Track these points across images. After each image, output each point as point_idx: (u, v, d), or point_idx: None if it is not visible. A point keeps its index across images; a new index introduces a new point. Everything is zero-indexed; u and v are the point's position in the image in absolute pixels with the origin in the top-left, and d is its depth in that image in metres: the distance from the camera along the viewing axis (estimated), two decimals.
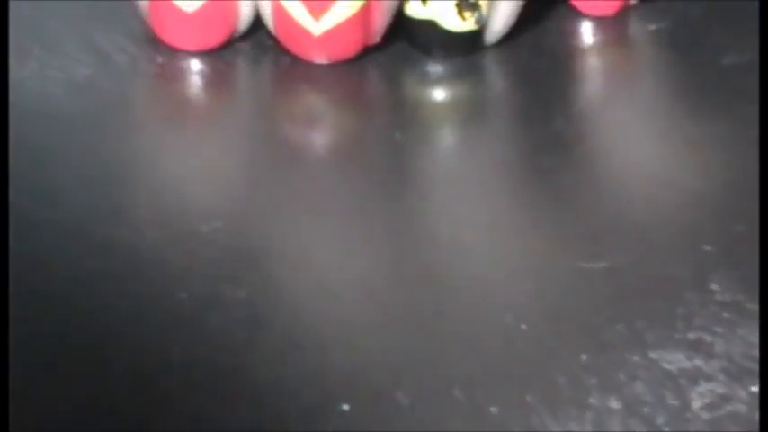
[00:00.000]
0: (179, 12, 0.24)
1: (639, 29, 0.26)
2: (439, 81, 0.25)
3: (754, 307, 0.19)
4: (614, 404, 0.17)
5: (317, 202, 0.21)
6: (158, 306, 0.19)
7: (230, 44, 0.25)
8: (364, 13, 0.23)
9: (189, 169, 0.22)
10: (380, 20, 0.24)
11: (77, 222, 0.20)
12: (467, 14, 0.24)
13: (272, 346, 0.18)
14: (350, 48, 0.24)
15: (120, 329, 0.18)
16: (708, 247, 0.20)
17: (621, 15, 0.26)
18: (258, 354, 0.18)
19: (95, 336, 0.18)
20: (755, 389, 0.17)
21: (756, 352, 0.18)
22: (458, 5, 0.24)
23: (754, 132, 0.23)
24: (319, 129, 0.24)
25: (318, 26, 0.23)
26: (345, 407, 0.17)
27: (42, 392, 0.17)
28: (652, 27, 0.26)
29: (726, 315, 0.18)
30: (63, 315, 0.18)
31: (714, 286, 0.19)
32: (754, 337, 0.18)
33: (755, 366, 0.18)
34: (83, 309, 0.19)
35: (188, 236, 0.20)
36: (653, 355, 0.18)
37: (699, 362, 0.18)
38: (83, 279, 0.19)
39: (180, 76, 0.25)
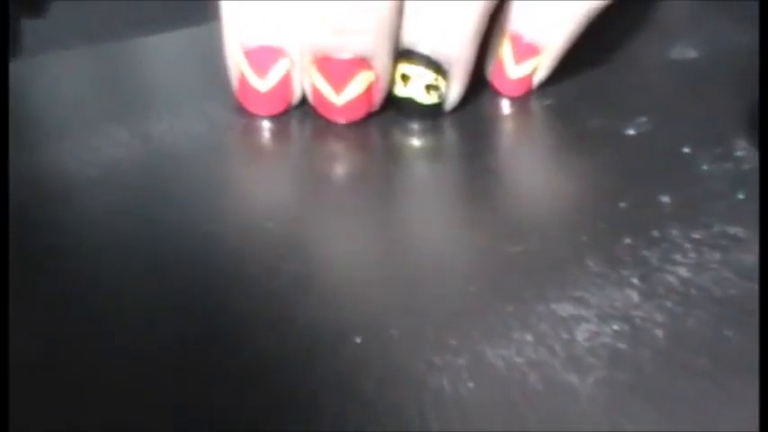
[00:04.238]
0: (256, 91, 0.23)
1: (537, 104, 0.24)
2: (415, 134, 0.23)
3: (615, 275, 0.17)
4: (528, 338, 0.16)
5: (339, 209, 0.20)
6: (238, 276, 0.17)
7: (287, 111, 0.23)
8: (368, 92, 0.22)
9: (259, 188, 0.21)
10: (378, 96, 0.23)
11: (188, 221, 0.19)
12: (432, 93, 0.22)
13: (311, 301, 0.17)
14: (360, 113, 0.23)
15: (211, 287, 0.17)
16: (584, 237, 0.18)
17: (526, 96, 0.25)
18: (301, 305, 0.16)
19: (198, 295, 0.17)
20: (617, 327, 0.16)
21: (617, 304, 0.17)
22: (426, 87, 0.22)
23: (607, 168, 0.21)
24: (340, 163, 0.22)
25: (340, 99, 0.22)
26: (358, 339, 0.16)
27: (143, 337, 0.16)
28: (546, 103, 0.24)
29: (597, 281, 0.17)
30: (169, 286, 0.17)
31: (589, 262, 0.18)
32: (615, 294, 0.17)
33: (616, 313, 0.16)
34: (188, 279, 0.17)
35: (257, 230, 0.19)
36: (553, 306, 0.16)
37: (581, 311, 0.16)
38: (189, 259, 0.18)
39: (255, 131, 0.23)
